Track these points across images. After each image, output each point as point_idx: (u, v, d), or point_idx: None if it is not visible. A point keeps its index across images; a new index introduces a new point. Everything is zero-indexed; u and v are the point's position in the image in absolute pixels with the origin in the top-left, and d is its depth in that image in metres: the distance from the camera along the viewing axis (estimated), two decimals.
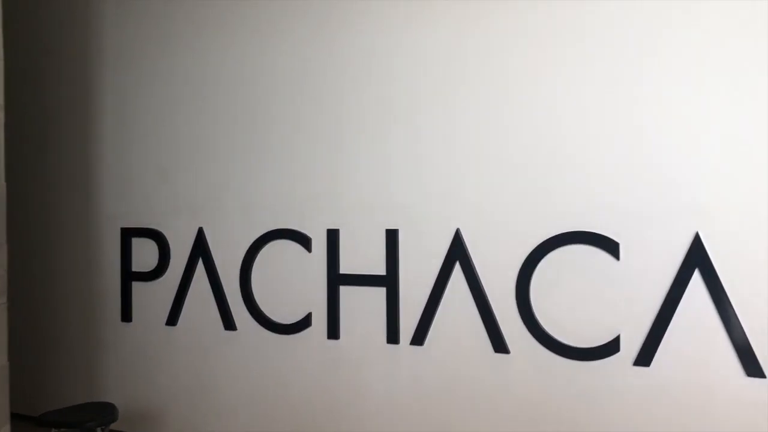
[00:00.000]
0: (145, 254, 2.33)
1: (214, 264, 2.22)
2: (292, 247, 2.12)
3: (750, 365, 1.64)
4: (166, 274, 2.29)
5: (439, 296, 1.94)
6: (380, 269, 2.01)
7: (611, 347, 1.76)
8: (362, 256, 2.03)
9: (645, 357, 1.73)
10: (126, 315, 2.35)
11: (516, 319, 1.86)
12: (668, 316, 1.70)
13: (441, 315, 1.94)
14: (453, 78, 1.93)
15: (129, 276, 2.35)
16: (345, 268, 2.06)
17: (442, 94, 1.94)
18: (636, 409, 1.74)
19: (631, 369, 1.74)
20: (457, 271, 1.92)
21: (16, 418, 2.31)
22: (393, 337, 1.99)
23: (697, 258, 1.68)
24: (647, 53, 1.74)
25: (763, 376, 1.63)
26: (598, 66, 1.78)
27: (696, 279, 1.68)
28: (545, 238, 1.83)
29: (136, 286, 2.34)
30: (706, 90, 1.69)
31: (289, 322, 2.12)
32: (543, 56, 1.84)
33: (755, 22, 1.64)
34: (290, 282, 2.13)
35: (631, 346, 1.74)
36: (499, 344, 1.88)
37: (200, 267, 2.24)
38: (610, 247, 1.76)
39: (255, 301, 2.17)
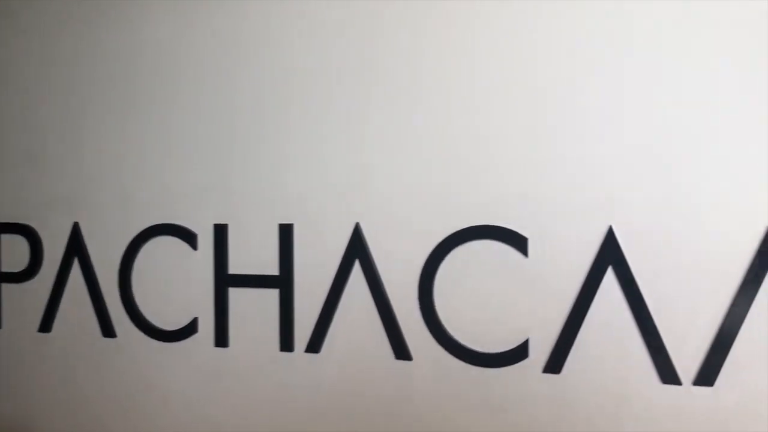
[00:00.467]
0: (15, 252, 2.09)
1: (90, 263, 2.00)
2: (176, 244, 1.92)
3: (666, 372, 1.52)
4: (39, 274, 2.06)
5: (337, 298, 1.77)
6: (273, 269, 1.82)
7: (519, 353, 1.63)
8: (253, 254, 1.85)
9: (555, 363, 1.60)
10: None
11: (419, 323, 1.71)
12: (580, 318, 1.58)
13: (339, 319, 1.78)
14: (352, 63, 1.75)
15: None
16: (234, 267, 1.87)
17: (340, 79, 1.76)
18: (546, 418, 1.61)
19: (540, 376, 1.61)
20: (357, 270, 1.75)
21: None
22: (287, 344, 1.82)
23: (610, 254, 1.55)
24: (555, 39, 1.59)
25: (679, 383, 1.51)
26: (507, 53, 1.63)
27: (609, 277, 1.56)
28: (449, 233, 1.67)
29: (6, 288, 2.10)
30: (620, 77, 1.54)
31: (172, 328, 1.93)
32: (449, 43, 1.67)
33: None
34: (174, 283, 1.93)
35: (541, 352, 1.61)
36: (400, 350, 1.72)
37: (76, 267, 2.02)
38: (518, 242, 1.62)
39: (136, 305, 1.96)
